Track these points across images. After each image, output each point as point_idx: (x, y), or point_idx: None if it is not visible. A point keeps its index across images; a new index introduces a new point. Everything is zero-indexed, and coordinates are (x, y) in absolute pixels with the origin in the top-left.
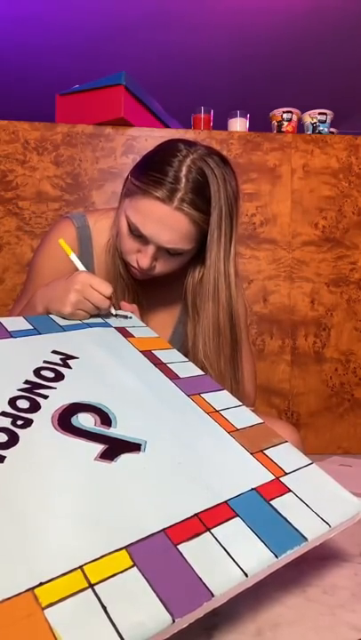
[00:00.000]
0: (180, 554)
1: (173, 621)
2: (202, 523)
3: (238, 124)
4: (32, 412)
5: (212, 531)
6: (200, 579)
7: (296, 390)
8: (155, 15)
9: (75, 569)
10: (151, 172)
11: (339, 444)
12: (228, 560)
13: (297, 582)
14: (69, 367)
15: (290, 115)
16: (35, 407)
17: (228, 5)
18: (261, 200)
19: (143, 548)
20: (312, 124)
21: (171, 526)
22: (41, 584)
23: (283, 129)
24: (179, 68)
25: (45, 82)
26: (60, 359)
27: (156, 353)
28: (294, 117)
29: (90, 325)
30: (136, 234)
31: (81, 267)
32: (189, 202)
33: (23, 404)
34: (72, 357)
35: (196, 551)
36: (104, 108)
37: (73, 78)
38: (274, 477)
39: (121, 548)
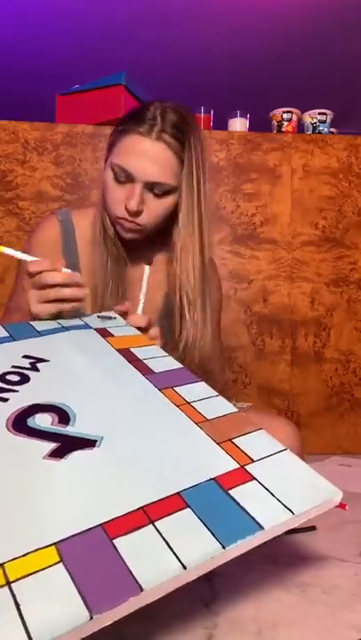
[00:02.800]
0: (115, 548)
1: (91, 618)
2: (146, 515)
3: (238, 124)
4: None
5: (155, 523)
6: (130, 573)
7: (296, 390)
8: (155, 15)
9: None
10: (130, 117)
11: (339, 444)
12: (168, 553)
13: (297, 582)
14: (37, 370)
15: (290, 115)
16: None
17: (228, 5)
18: (261, 200)
19: (74, 544)
20: (312, 124)
21: (110, 521)
22: None
23: (283, 129)
24: (179, 68)
25: (45, 82)
26: (30, 363)
27: (134, 350)
28: (294, 117)
29: (68, 329)
30: (121, 178)
31: (25, 258)
32: (169, 134)
33: None
34: (42, 360)
35: (132, 545)
36: (104, 107)
37: (73, 78)
38: (238, 466)
39: (50, 545)
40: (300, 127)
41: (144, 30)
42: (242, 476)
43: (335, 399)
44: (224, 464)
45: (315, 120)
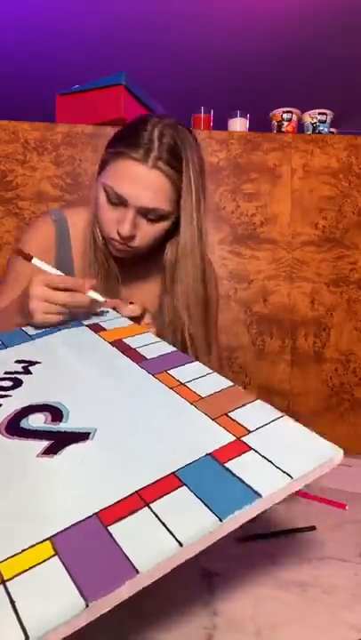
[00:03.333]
0: (110, 535)
1: (87, 606)
2: (141, 499)
3: (238, 124)
4: None
5: (150, 505)
6: (126, 556)
7: (296, 390)
8: (155, 15)
9: None
10: (125, 138)
11: (339, 444)
12: (163, 532)
13: (297, 582)
14: (30, 373)
15: (290, 115)
16: None
17: (228, 5)
18: (261, 200)
19: (69, 536)
20: (312, 124)
21: (104, 509)
22: None
23: (283, 129)
24: (179, 68)
25: (45, 82)
26: (22, 367)
27: (127, 340)
28: (294, 117)
29: (59, 328)
30: (114, 200)
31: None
32: (164, 161)
33: None
34: (34, 363)
35: (127, 529)
36: (104, 107)
37: (73, 78)
38: (234, 438)
39: (45, 540)
40: (300, 127)
41: (144, 31)
42: (238, 447)
43: (335, 399)
44: (219, 438)
45: (315, 120)
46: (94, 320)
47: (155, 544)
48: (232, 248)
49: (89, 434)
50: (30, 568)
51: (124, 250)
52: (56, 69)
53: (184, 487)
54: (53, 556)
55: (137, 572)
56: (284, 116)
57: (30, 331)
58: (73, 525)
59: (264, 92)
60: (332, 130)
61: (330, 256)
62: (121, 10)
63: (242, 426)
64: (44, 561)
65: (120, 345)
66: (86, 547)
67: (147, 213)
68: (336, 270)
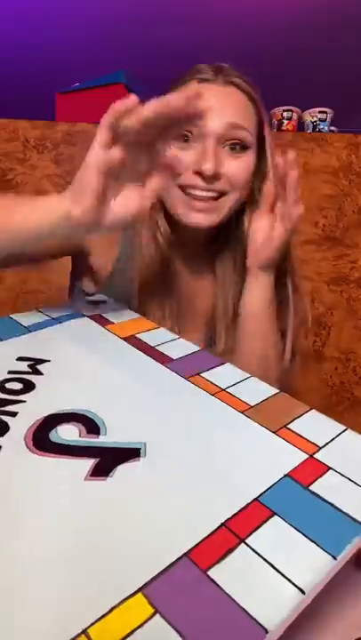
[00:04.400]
0: (214, 582)
1: None
2: (233, 533)
3: None
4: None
5: (247, 541)
6: (246, 612)
7: (296, 389)
8: (155, 13)
9: (76, 636)
10: (187, 72)
11: None
12: (277, 577)
13: None
14: (40, 373)
15: (290, 113)
16: (2, 430)
17: (228, 3)
18: None
19: (164, 586)
20: (312, 123)
21: (194, 547)
22: None
23: (283, 127)
24: (179, 67)
25: (45, 80)
26: (29, 365)
27: (141, 336)
28: (294, 116)
29: (59, 320)
30: (185, 132)
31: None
32: (237, 77)
33: None
34: (42, 361)
35: (232, 574)
36: (104, 106)
37: (73, 76)
38: (307, 456)
39: (135, 592)
40: (301, 126)
41: (144, 28)
42: (316, 466)
43: (335, 398)
44: (291, 456)
45: (315, 118)
46: (93, 310)
47: (273, 593)
48: None
49: (139, 450)
50: (130, 634)
51: (206, 207)
52: (56, 68)
53: (276, 517)
54: (154, 614)
55: (266, 631)
56: (285, 114)
57: (25, 321)
58: (163, 572)
59: (264, 90)
60: (332, 128)
61: (330, 255)
62: (121, 9)
63: (308, 440)
64: (145, 622)
65: (135, 342)
66: (190, 600)
67: (230, 138)
68: (336, 269)
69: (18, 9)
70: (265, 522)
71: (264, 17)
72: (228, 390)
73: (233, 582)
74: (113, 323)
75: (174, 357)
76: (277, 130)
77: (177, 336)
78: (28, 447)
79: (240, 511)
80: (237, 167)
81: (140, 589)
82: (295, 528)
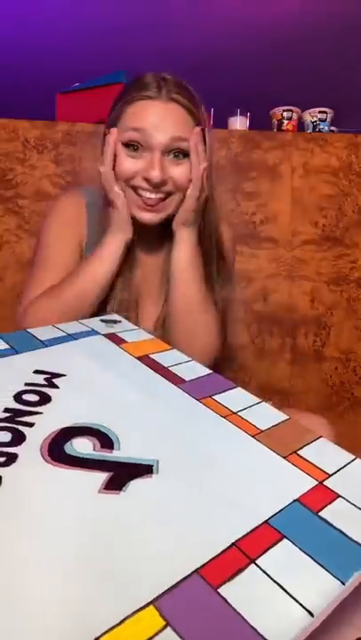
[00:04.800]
0: (225, 600)
1: None
2: (243, 553)
3: (238, 123)
4: (16, 445)
5: (257, 562)
6: (256, 630)
7: (296, 389)
8: (155, 13)
9: None
10: (131, 87)
11: (338, 444)
12: (286, 598)
13: None
14: (56, 387)
15: (290, 113)
16: (19, 439)
17: (228, 3)
18: (261, 198)
19: (175, 600)
20: (312, 123)
21: (206, 564)
22: None
23: (283, 127)
24: (179, 67)
25: (45, 80)
26: (45, 379)
27: (155, 357)
28: (294, 116)
29: (75, 337)
30: (136, 144)
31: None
32: (178, 93)
33: (4, 436)
34: (58, 375)
35: (242, 593)
36: (104, 106)
37: (73, 76)
38: (317, 482)
39: (147, 605)
40: (301, 126)
41: (144, 28)
42: (325, 493)
43: (335, 398)
44: (301, 482)
45: (315, 118)
46: (109, 329)
47: (282, 614)
48: None
49: (152, 466)
50: None
51: (154, 206)
52: (56, 68)
53: (285, 540)
54: (165, 627)
55: None
56: (285, 114)
57: (40, 335)
58: (174, 586)
59: (264, 90)
60: (332, 128)
61: (330, 255)
62: (121, 9)
63: (318, 468)
64: (157, 634)
65: (149, 362)
66: (201, 615)
67: (174, 149)
68: (336, 269)
69: (18, 10)
70: (275, 544)
71: (264, 17)
72: (239, 414)
73: (243, 601)
74: (127, 342)
75: (187, 379)
76: (277, 130)
77: (189, 358)
78: (43, 457)
79: (250, 532)
80: (180, 172)
81: (152, 602)
82: (304, 552)
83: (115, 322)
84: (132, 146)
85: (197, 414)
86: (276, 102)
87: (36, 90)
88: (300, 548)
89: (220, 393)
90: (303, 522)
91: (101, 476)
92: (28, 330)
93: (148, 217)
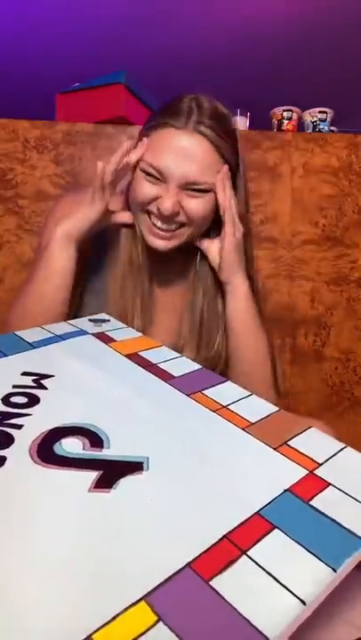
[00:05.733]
0: (216, 592)
1: None
2: (234, 545)
3: (238, 123)
4: (4, 448)
5: (248, 553)
6: (248, 621)
7: (296, 389)
8: (155, 13)
9: None
10: (163, 110)
11: None
12: (278, 587)
13: None
14: (45, 388)
15: (290, 113)
16: (7, 441)
17: (228, 3)
18: (261, 198)
19: (167, 595)
20: (312, 123)
21: (197, 558)
22: None
23: (283, 127)
24: (179, 66)
25: (45, 80)
26: (33, 380)
27: (144, 354)
28: (294, 116)
29: (63, 337)
30: (153, 174)
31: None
32: (207, 125)
33: None
34: (46, 376)
35: (234, 585)
36: (104, 106)
37: (73, 76)
38: (307, 471)
39: (138, 600)
40: (301, 126)
41: (144, 28)
42: (315, 482)
43: (335, 398)
44: (291, 471)
45: (315, 118)
46: (98, 329)
47: (274, 603)
48: None
49: (142, 463)
50: (135, 639)
51: (165, 235)
52: (56, 67)
53: (276, 530)
54: (157, 622)
55: (267, 639)
56: (285, 114)
57: (28, 337)
58: (166, 581)
59: (264, 90)
60: (332, 128)
61: (330, 255)
62: (121, 8)
63: (308, 457)
64: (149, 629)
65: (138, 359)
66: (193, 608)
67: (190, 187)
68: (336, 269)
69: (18, 9)
70: (266, 535)
71: (264, 18)
72: (229, 407)
73: (235, 592)
74: (116, 340)
75: (176, 375)
76: (277, 130)
77: (178, 354)
78: (32, 459)
79: (241, 524)
80: (196, 205)
81: (143, 597)
82: (296, 541)
83: (103, 321)
84: (151, 174)
85: (187, 409)
86: (276, 102)
87: (36, 90)
88: (292, 538)
89: (209, 387)
90: (294, 511)
91: (91, 475)
92: (16, 332)
93: (160, 244)
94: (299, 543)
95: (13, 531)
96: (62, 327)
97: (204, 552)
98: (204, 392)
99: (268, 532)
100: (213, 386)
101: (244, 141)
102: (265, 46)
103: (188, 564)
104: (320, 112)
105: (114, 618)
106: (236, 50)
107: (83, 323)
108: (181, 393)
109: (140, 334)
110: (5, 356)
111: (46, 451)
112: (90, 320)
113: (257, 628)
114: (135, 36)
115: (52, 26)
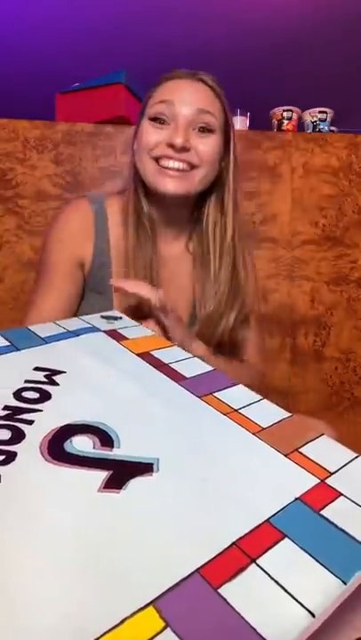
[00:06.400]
0: (225, 600)
1: None
2: (244, 553)
3: (238, 123)
4: (15, 444)
5: (258, 561)
6: (256, 631)
7: (296, 389)
8: (154, 13)
9: None
10: (161, 75)
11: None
12: (286, 598)
13: None
14: (56, 384)
15: (290, 113)
16: (18, 437)
17: (228, 3)
18: (261, 199)
19: (175, 601)
20: (312, 123)
21: (206, 564)
22: None
23: (283, 127)
24: (179, 66)
25: (45, 80)
26: (45, 376)
27: (156, 354)
28: (294, 116)
29: (76, 333)
30: (162, 117)
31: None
32: (208, 78)
33: (3, 434)
34: (58, 372)
35: (243, 593)
36: (104, 106)
37: (73, 76)
38: (318, 480)
39: (146, 605)
40: (301, 125)
41: (144, 28)
42: (326, 492)
43: (335, 398)
44: (302, 480)
45: (315, 118)
46: (110, 326)
47: (283, 614)
48: None
49: (152, 465)
50: None
51: (179, 175)
52: (56, 67)
53: (286, 539)
54: (165, 628)
55: None
56: (285, 114)
57: (40, 332)
58: (175, 586)
59: (264, 90)
60: (332, 128)
61: (330, 255)
62: (121, 8)
63: (320, 466)
64: (156, 635)
65: (150, 359)
66: (201, 616)
67: (198, 122)
68: (336, 269)
69: (18, 9)
70: (276, 543)
71: (264, 17)
72: (240, 411)
73: (243, 601)
74: (128, 338)
75: (188, 376)
76: (277, 130)
77: (190, 355)
78: (43, 456)
79: (251, 531)
80: (205, 144)
81: (151, 602)
82: (306, 551)
83: (115, 318)
84: (158, 119)
85: (198, 412)
86: (276, 102)
87: (36, 90)
88: (302, 548)
89: (221, 390)
90: (304, 521)
91: (101, 475)
92: (29, 327)
93: (171, 186)
94: (309, 553)
95: (21, 528)
96: (75, 323)
97: (214, 558)
98: (216, 394)
99: (278, 541)
100: (225, 388)
101: (244, 141)
102: (265, 46)
103: (197, 570)
104: (320, 112)
105: (122, 622)
106: (236, 50)
107: (95, 319)
108: (192, 394)
109: (152, 333)
110: (18, 350)
111: (57, 448)
112: (102, 317)
113: (265, 639)
114: (135, 36)
115: (52, 26)
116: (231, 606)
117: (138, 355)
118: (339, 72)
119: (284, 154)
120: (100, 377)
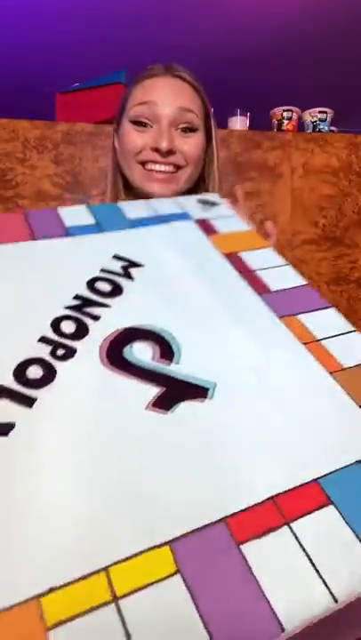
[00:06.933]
0: (244, 558)
1: None
2: (279, 511)
3: (238, 123)
4: (77, 339)
5: (292, 525)
6: (268, 602)
7: None
8: (155, 13)
9: (97, 571)
10: (138, 73)
11: None
12: (311, 573)
13: None
14: (131, 278)
15: (290, 113)
16: (82, 332)
17: (228, 3)
18: (261, 199)
19: (193, 547)
20: (312, 123)
21: (235, 514)
22: (51, 590)
23: (283, 127)
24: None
25: (45, 80)
26: (122, 267)
27: (244, 255)
28: (294, 116)
29: (165, 219)
30: (143, 119)
31: None
32: (185, 73)
33: (68, 327)
34: (136, 265)
35: (266, 556)
36: (104, 106)
37: (73, 76)
38: None
39: (163, 544)
40: (301, 126)
41: (144, 28)
42: None
43: None
44: None
45: (315, 118)
46: (203, 214)
47: (302, 590)
48: None
49: (207, 390)
50: (148, 585)
51: (165, 178)
52: (56, 68)
53: (332, 507)
54: (175, 573)
55: (282, 629)
56: (285, 114)
57: (129, 211)
58: (196, 531)
59: (264, 90)
60: (332, 128)
61: (330, 255)
62: (121, 8)
63: None
64: (165, 578)
65: (236, 262)
66: (214, 571)
67: (181, 122)
68: (336, 269)
69: (18, 9)
70: (319, 508)
71: (264, 17)
72: (322, 342)
73: (264, 565)
74: (218, 233)
75: (273, 289)
76: (277, 130)
77: (285, 262)
78: (100, 358)
79: (294, 489)
80: (189, 144)
81: (168, 542)
82: (350, 526)
83: (213, 204)
84: (139, 122)
85: (274, 336)
86: (276, 102)
87: (36, 90)
88: (346, 521)
89: (307, 312)
90: (357, 487)
91: (153, 391)
92: (119, 204)
93: (158, 189)
94: (352, 529)
95: (63, 438)
96: (168, 207)
97: (245, 510)
98: (299, 317)
99: (322, 507)
100: (313, 310)
101: (244, 141)
102: (265, 46)
103: (224, 519)
104: (320, 112)
105: (134, 555)
106: (236, 49)
107: (190, 204)
108: (273, 313)
109: (247, 228)
110: (102, 231)
111: (116, 352)
112: (198, 201)
113: (276, 614)
114: (135, 36)
115: (52, 26)
116: (249, 566)
117: (224, 254)
118: (339, 72)
119: (284, 154)
120: (177, 277)
